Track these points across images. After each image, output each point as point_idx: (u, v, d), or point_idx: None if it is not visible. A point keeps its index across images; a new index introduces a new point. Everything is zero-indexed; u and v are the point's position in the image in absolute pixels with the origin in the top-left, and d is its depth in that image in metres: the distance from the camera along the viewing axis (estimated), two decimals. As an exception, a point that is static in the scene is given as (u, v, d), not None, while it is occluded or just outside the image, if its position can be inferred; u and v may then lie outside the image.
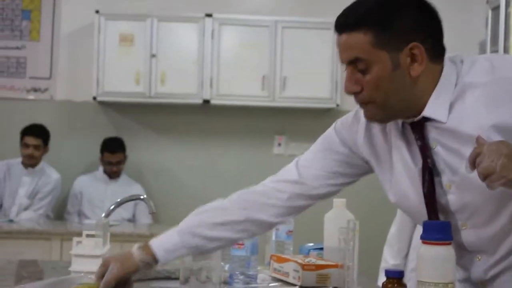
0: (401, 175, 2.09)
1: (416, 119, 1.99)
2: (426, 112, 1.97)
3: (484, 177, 1.77)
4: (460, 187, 1.99)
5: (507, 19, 5.20)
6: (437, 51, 1.97)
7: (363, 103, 2.01)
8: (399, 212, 3.51)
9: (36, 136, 6.25)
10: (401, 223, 3.61)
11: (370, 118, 2.06)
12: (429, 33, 1.96)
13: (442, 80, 1.98)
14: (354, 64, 1.95)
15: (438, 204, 2.03)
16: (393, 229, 3.66)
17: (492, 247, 2.05)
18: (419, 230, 1.99)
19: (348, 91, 1.99)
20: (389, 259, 3.60)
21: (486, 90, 1.92)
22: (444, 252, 1.89)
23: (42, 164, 6.33)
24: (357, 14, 1.95)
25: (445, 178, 2.01)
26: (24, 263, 3.23)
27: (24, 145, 6.23)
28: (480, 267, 2.08)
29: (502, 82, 1.92)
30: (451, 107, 1.95)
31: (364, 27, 1.92)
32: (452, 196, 2.01)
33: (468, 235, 2.04)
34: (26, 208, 6.19)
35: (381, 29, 1.92)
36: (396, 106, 1.98)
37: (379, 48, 1.92)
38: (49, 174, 6.37)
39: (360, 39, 1.92)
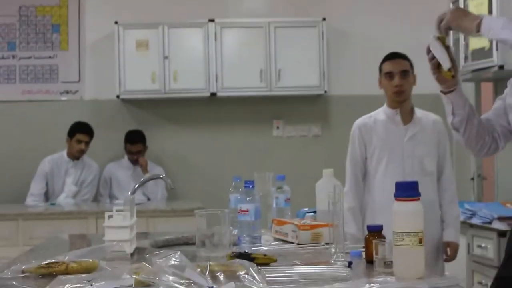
0: None
1: None
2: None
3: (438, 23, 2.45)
4: None
5: None
6: None
7: None
8: None
9: (88, 134, 6.30)
10: None
11: None
12: None
13: None
14: None
15: None
16: None
17: None
18: None
19: None
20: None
21: None
22: (414, 207, 1.94)
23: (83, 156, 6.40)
24: None
25: None
26: (73, 237, 3.31)
27: (77, 141, 6.25)
28: None
29: None
30: None
31: None
32: None
33: None
34: (75, 195, 6.22)
35: None
36: None
37: None
38: (90, 164, 6.42)
39: None
